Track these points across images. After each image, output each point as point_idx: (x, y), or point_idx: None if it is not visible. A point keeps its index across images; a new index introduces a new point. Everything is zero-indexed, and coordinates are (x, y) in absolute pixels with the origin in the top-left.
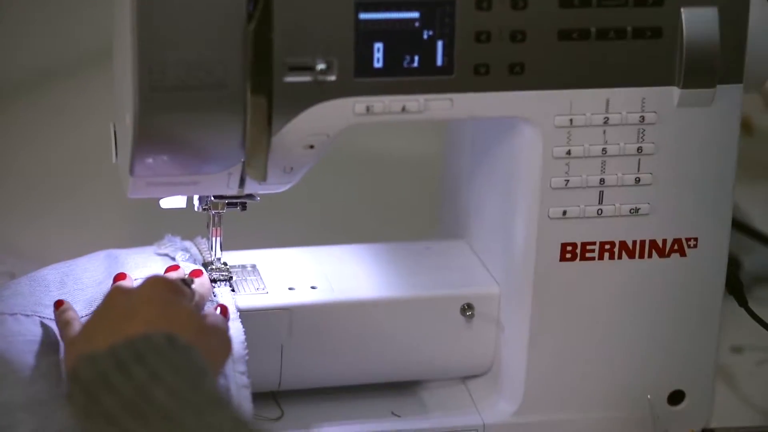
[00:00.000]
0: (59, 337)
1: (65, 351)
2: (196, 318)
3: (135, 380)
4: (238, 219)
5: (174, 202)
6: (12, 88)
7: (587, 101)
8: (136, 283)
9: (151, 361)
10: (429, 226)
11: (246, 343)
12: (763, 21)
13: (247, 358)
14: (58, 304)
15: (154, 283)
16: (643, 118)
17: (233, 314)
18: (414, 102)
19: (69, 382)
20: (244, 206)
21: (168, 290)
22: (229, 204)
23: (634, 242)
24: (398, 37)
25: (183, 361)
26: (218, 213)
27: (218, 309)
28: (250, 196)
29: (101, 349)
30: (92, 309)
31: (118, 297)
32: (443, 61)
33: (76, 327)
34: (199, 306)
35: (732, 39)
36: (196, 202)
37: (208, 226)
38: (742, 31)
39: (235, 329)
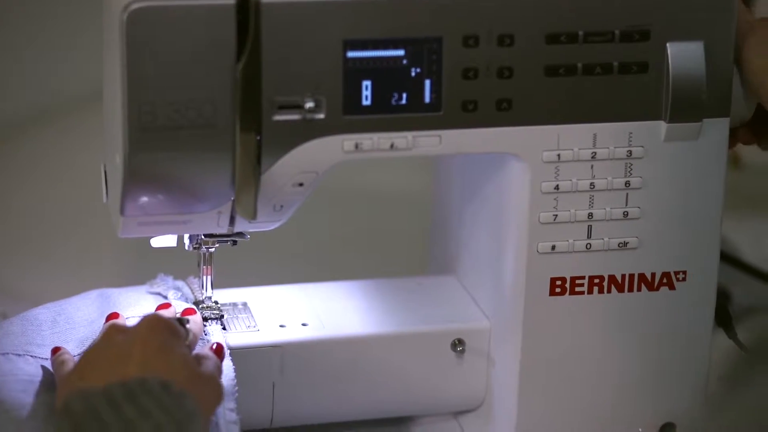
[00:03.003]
0: (53, 376)
1: (58, 386)
2: (191, 363)
3: (124, 417)
4: (228, 257)
5: (165, 241)
6: (3, 129)
7: (575, 136)
8: (128, 322)
9: (143, 402)
10: (419, 262)
11: (236, 380)
12: None
13: (236, 395)
14: (55, 350)
15: (150, 323)
16: (630, 152)
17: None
18: (402, 139)
19: (59, 415)
20: (234, 243)
21: (164, 331)
22: (219, 242)
23: (623, 276)
24: (386, 75)
25: (175, 405)
26: (208, 251)
27: (214, 346)
28: (240, 234)
29: (95, 387)
30: (84, 348)
31: (114, 335)
32: (431, 98)
33: (71, 365)
34: (192, 345)
35: (718, 73)
36: (186, 240)
37: (198, 265)
38: (727, 65)
39: (226, 367)
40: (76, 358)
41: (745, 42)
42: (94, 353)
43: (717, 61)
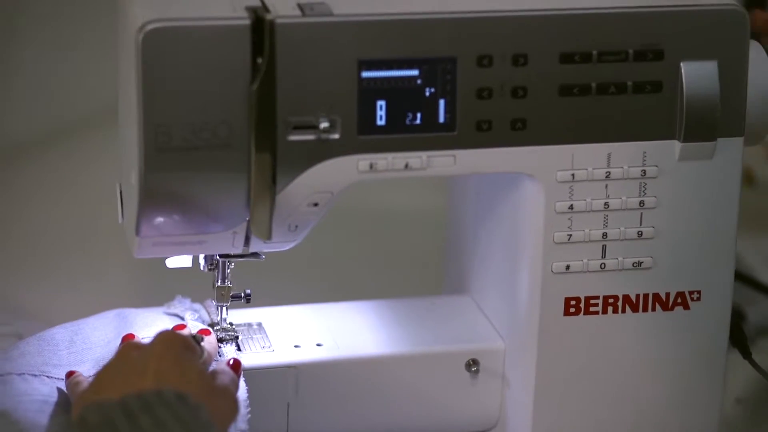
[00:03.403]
0: (69, 397)
1: (74, 403)
2: (207, 377)
3: (140, 428)
4: (243, 277)
5: (180, 261)
6: (17, 147)
7: (589, 156)
8: (144, 341)
9: (159, 413)
10: (434, 282)
11: (251, 401)
12: (762, 73)
13: (249, 415)
14: (69, 374)
15: (166, 338)
16: (644, 171)
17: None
18: (417, 159)
19: (75, 427)
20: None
21: (180, 346)
22: (234, 262)
23: (638, 296)
24: (400, 95)
25: (190, 417)
26: (224, 272)
27: (231, 362)
28: (256, 254)
29: (111, 399)
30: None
31: (130, 351)
32: (445, 118)
33: (86, 385)
34: (207, 364)
35: (732, 92)
36: (201, 261)
37: (213, 286)
38: (741, 84)
39: (240, 388)
40: (91, 379)
41: None
42: (109, 369)
43: (731, 80)
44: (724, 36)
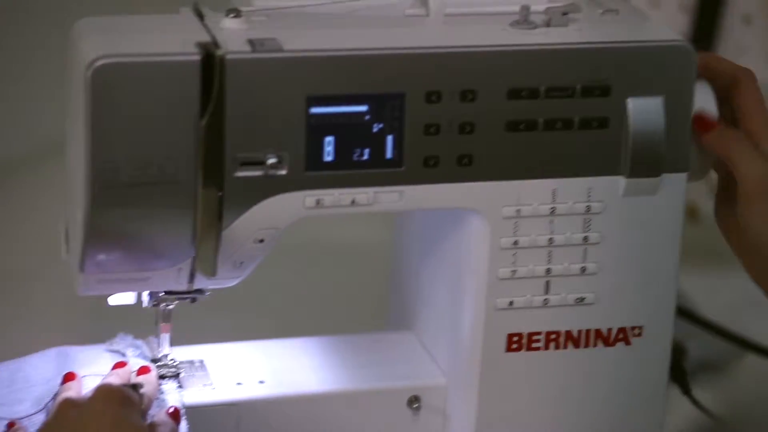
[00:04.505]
0: None
1: None
2: None
3: None
4: (186, 314)
5: (123, 298)
6: None
7: (534, 191)
8: (85, 381)
9: None
10: (378, 317)
11: None
12: (707, 109)
13: None
14: (10, 425)
15: (103, 395)
16: (589, 207)
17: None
18: (363, 195)
19: None
20: (194, 300)
21: (118, 403)
22: (178, 299)
23: (580, 332)
24: (349, 131)
25: None
26: (167, 309)
27: (171, 410)
28: (200, 291)
29: None
30: (41, 407)
31: (68, 411)
32: (393, 153)
33: None
34: (147, 409)
35: (677, 128)
36: (145, 297)
37: (156, 323)
38: (686, 120)
39: (181, 428)
40: (34, 417)
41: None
42: (47, 431)
43: (676, 117)
44: (671, 72)
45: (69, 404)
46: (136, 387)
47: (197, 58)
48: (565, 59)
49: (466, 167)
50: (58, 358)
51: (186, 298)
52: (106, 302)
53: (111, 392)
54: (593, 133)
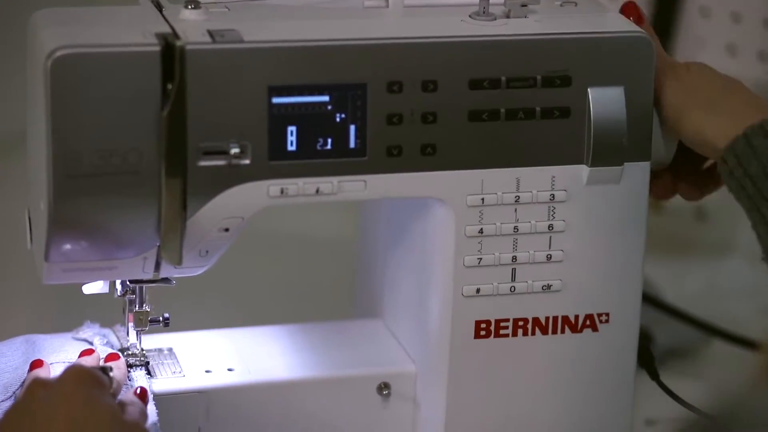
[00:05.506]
0: None
1: None
2: (117, 413)
3: None
4: (155, 303)
5: (96, 287)
6: None
7: (498, 180)
8: (52, 368)
9: None
10: (346, 306)
11: (161, 426)
12: None
13: None
14: None
15: (74, 376)
16: (553, 196)
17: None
18: (327, 184)
19: None
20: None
21: (88, 383)
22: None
23: (547, 318)
24: (311, 121)
25: None
26: (134, 297)
27: (138, 390)
28: (166, 279)
29: None
30: (8, 394)
31: (37, 391)
32: (356, 143)
33: None
34: (116, 393)
35: (638, 117)
36: (118, 286)
37: (124, 311)
38: (647, 109)
39: (149, 411)
40: (2, 405)
41: (663, 83)
42: (18, 412)
43: (637, 106)
44: (631, 62)
45: (38, 385)
46: (105, 370)
47: (157, 48)
48: (526, 50)
49: (429, 156)
50: (24, 346)
51: (153, 286)
52: (74, 291)
53: (81, 373)
54: (555, 122)
